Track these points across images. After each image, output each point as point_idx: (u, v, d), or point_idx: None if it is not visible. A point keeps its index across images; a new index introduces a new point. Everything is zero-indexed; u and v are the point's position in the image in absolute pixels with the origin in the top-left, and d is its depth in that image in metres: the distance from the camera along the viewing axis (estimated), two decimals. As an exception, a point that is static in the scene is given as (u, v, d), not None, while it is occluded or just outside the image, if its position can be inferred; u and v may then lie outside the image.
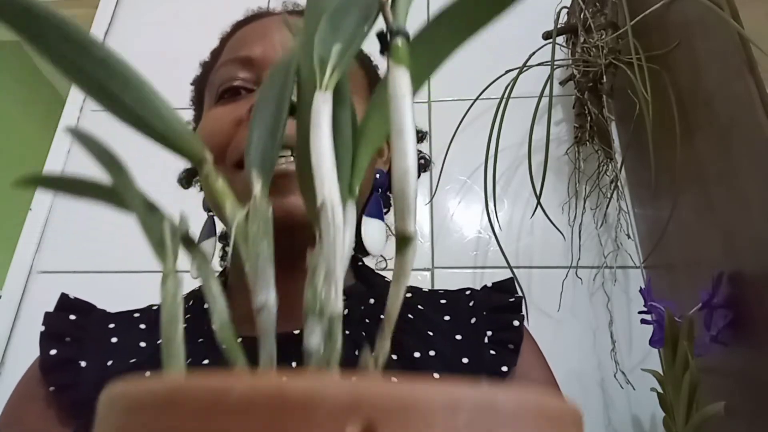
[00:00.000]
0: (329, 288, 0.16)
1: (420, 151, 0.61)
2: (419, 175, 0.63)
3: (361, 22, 0.19)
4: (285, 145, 0.41)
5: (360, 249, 0.49)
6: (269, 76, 0.22)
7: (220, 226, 0.53)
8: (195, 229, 0.54)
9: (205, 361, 0.43)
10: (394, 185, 0.16)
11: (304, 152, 0.18)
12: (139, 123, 0.19)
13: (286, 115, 0.20)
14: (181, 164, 0.59)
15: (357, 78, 0.50)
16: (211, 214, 0.53)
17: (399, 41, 0.17)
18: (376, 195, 0.51)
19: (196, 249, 0.21)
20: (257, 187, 0.18)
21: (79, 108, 1.20)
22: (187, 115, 0.59)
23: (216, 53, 0.53)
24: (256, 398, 0.11)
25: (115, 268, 1.02)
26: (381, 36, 0.18)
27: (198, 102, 0.54)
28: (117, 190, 0.21)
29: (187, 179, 0.59)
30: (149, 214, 0.20)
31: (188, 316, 0.48)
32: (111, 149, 0.20)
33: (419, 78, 0.18)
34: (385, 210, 0.59)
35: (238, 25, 0.53)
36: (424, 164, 0.62)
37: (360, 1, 0.19)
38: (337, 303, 0.16)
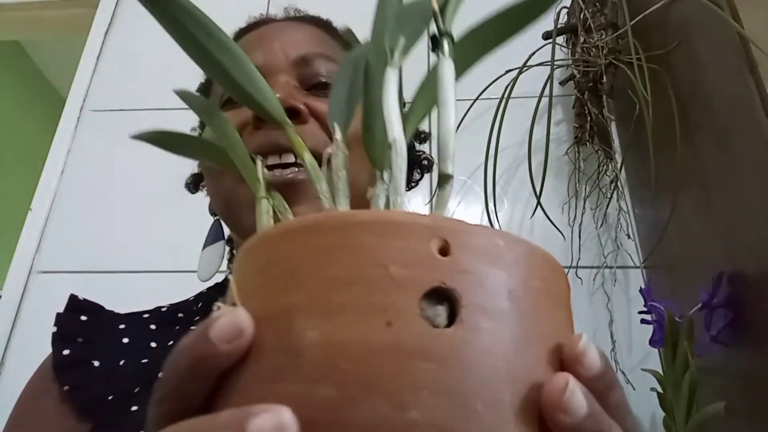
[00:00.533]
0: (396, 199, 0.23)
1: (422, 152, 0.61)
2: (422, 176, 0.63)
3: (421, 23, 0.26)
4: (276, 148, 0.42)
5: None
6: (342, 63, 0.29)
7: (226, 231, 0.53)
8: (198, 234, 0.54)
9: None
10: (440, 138, 0.22)
11: (371, 115, 0.25)
12: (241, 95, 0.26)
13: (360, 89, 0.26)
14: (183, 166, 0.58)
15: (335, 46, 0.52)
16: (216, 218, 0.53)
17: (446, 41, 0.24)
18: None
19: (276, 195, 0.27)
20: (338, 134, 0.26)
21: (79, 108, 1.20)
22: (189, 116, 0.59)
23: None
24: (379, 220, 0.17)
25: (115, 268, 1.03)
26: (433, 37, 0.24)
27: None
28: (217, 136, 0.27)
29: (194, 184, 0.59)
30: (246, 158, 0.27)
31: (197, 318, 0.48)
32: (211, 103, 0.26)
33: (462, 68, 0.26)
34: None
35: (240, 34, 0.53)
36: (427, 165, 0.62)
37: (420, 9, 0.26)
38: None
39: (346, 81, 0.28)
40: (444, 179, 0.23)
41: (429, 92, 0.26)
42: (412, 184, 0.62)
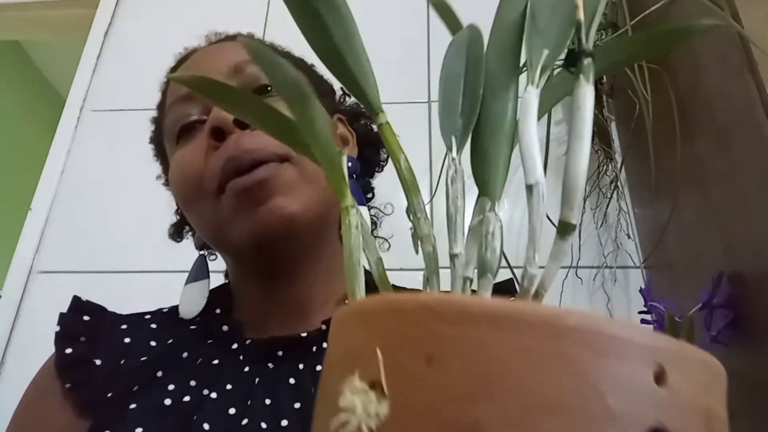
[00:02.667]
0: (533, 252, 0.19)
1: (372, 208, 0.60)
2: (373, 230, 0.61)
3: (566, 30, 0.21)
4: (241, 163, 0.41)
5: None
6: (449, 56, 0.24)
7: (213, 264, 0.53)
8: (195, 249, 0.54)
9: (215, 361, 0.44)
10: (568, 180, 0.19)
11: (484, 138, 0.21)
12: (344, 72, 0.22)
13: (479, 98, 0.22)
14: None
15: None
16: (202, 253, 0.53)
17: (587, 61, 0.20)
18: (353, 182, 0.51)
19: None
20: (454, 152, 0.22)
21: (79, 108, 1.20)
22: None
23: (161, 106, 0.54)
24: (596, 330, 0.14)
25: (115, 268, 1.03)
26: (571, 53, 0.20)
27: (161, 155, 0.55)
28: (301, 123, 0.22)
29: (177, 232, 0.59)
30: (328, 146, 0.22)
31: (198, 319, 0.48)
32: (298, 75, 0.21)
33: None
34: (368, 196, 0.59)
35: (171, 70, 0.55)
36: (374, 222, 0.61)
37: (563, 9, 0.21)
38: (535, 267, 0.19)
39: (454, 81, 0.23)
40: (565, 229, 0.19)
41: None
42: (382, 164, 0.60)
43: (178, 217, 0.59)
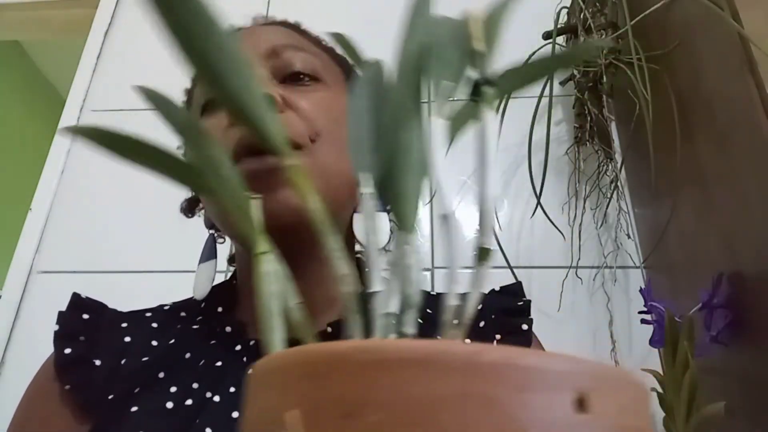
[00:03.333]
0: (450, 285, 0.19)
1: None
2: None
3: (462, 59, 0.21)
4: (251, 144, 0.41)
5: (352, 243, 0.50)
6: (356, 90, 0.24)
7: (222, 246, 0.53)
8: (198, 234, 0.54)
9: (218, 363, 0.43)
10: (481, 206, 0.19)
11: (394, 169, 0.21)
12: (239, 112, 0.21)
13: (384, 131, 0.22)
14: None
15: (335, 71, 0.51)
16: (212, 232, 0.53)
17: (489, 90, 0.20)
18: None
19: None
20: (366, 188, 0.21)
21: (79, 108, 1.20)
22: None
23: (194, 78, 0.54)
24: (513, 364, 0.13)
25: (115, 268, 1.03)
26: (476, 84, 0.21)
27: None
28: (196, 164, 0.21)
29: (189, 208, 0.59)
30: (236, 193, 0.21)
31: (200, 318, 0.48)
32: (191, 116, 0.21)
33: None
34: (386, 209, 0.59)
35: None
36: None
37: (460, 41, 0.21)
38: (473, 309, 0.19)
39: (362, 117, 0.23)
40: (483, 254, 0.19)
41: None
42: None
43: (192, 193, 0.59)
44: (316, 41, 0.53)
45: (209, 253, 0.51)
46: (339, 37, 0.27)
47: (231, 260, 0.57)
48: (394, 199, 0.21)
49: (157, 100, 0.21)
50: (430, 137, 0.20)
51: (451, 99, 0.21)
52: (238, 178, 0.21)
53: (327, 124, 0.44)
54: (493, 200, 0.19)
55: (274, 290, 0.19)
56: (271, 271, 0.20)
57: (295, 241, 0.43)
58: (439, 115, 0.20)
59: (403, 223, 0.20)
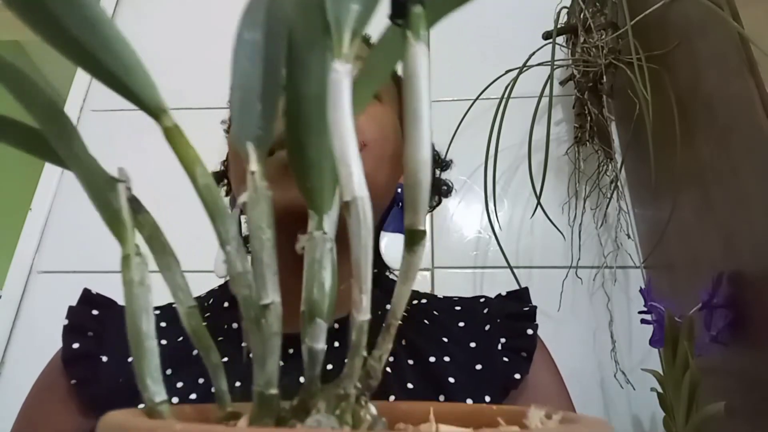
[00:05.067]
0: (359, 294, 0.14)
1: (445, 180, 0.62)
2: (440, 202, 0.63)
3: None
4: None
5: (378, 263, 0.50)
6: (243, 20, 0.17)
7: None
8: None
9: (224, 359, 0.43)
10: (407, 177, 0.14)
11: (298, 130, 0.15)
12: (99, 71, 0.16)
13: (281, 80, 0.16)
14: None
15: (390, 87, 0.51)
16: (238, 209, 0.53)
17: (418, 10, 0.14)
18: (397, 209, 0.52)
19: (147, 220, 0.17)
20: (253, 164, 0.15)
21: (79, 108, 1.20)
22: (195, 116, 0.59)
23: None
24: None
25: (115, 268, 1.02)
26: (395, 2, 0.15)
27: None
28: (50, 138, 0.16)
29: (217, 180, 0.59)
30: (94, 175, 0.16)
31: (208, 314, 0.48)
32: (54, 94, 0.16)
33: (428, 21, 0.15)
34: None
35: None
36: (447, 191, 0.62)
37: None
38: (366, 311, 0.15)
39: (250, 58, 0.16)
40: (414, 237, 0.15)
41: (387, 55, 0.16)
42: (429, 209, 0.62)
43: (222, 168, 0.59)
44: None
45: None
46: None
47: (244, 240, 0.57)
48: (301, 172, 0.16)
49: (13, 80, 0.16)
50: (333, 90, 0.14)
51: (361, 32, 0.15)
52: (97, 164, 0.16)
53: (375, 136, 0.46)
54: (427, 166, 0.14)
55: (141, 305, 0.15)
56: (137, 280, 0.15)
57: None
58: (343, 58, 0.14)
59: (313, 203, 0.16)
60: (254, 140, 0.16)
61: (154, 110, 0.16)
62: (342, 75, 0.14)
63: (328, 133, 0.14)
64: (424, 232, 0.15)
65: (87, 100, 1.21)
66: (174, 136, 0.16)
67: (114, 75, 0.16)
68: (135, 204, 0.17)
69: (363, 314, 0.14)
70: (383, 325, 0.15)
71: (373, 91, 0.17)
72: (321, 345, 0.15)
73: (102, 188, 0.16)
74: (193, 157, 0.16)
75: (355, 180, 0.14)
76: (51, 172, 1.14)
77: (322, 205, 0.16)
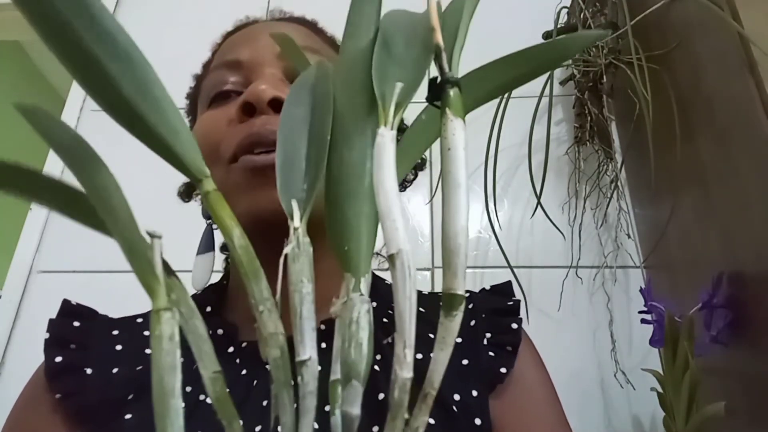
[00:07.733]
0: (403, 349, 0.14)
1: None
2: (416, 176, 0.63)
3: (423, 56, 0.16)
4: (261, 141, 0.41)
5: None
6: (289, 98, 0.19)
7: (219, 236, 0.53)
8: (194, 239, 0.54)
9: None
10: (446, 241, 0.15)
11: (338, 193, 0.16)
12: (147, 134, 0.16)
13: (327, 146, 0.17)
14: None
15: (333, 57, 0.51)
16: (210, 221, 0.53)
17: (454, 92, 0.15)
18: None
19: (176, 284, 0.17)
20: (297, 221, 0.16)
21: (79, 108, 1.20)
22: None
23: (207, 64, 0.54)
24: None
25: (115, 268, 1.02)
26: (433, 83, 0.16)
27: (192, 112, 0.55)
28: (92, 200, 0.17)
29: (187, 192, 0.59)
30: (135, 236, 0.16)
31: None
32: (78, 136, 0.16)
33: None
34: None
35: (227, 35, 0.54)
36: (420, 163, 0.62)
37: (418, 34, 0.16)
38: (410, 367, 0.14)
39: (298, 129, 0.18)
40: (453, 302, 0.15)
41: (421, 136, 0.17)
42: (406, 184, 0.62)
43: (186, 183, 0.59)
44: (332, 43, 0.53)
45: (207, 244, 0.51)
46: (284, 40, 0.22)
47: (223, 248, 0.57)
48: (339, 234, 0.16)
49: (34, 117, 0.16)
50: (378, 154, 0.15)
51: (406, 105, 0.16)
52: (130, 213, 0.16)
53: None
54: (465, 232, 0.14)
55: (170, 362, 0.14)
56: (167, 335, 0.15)
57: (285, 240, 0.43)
58: (389, 126, 0.15)
59: (350, 266, 0.16)
60: (298, 200, 0.17)
61: (197, 174, 0.17)
62: (387, 139, 0.15)
63: (365, 198, 0.16)
64: (462, 296, 0.15)
65: (87, 100, 1.21)
66: (214, 201, 0.17)
67: (161, 138, 0.16)
68: (165, 266, 0.17)
69: (406, 371, 0.14)
70: (420, 395, 0.15)
71: (412, 165, 0.19)
72: (356, 410, 0.15)
73: (135, 242, 0.16)
74: (231, 221, 0.17)
75: (400, 234, 0.15)
76: (51, 171, 1.14)
77: (359, 267, 0.16)
